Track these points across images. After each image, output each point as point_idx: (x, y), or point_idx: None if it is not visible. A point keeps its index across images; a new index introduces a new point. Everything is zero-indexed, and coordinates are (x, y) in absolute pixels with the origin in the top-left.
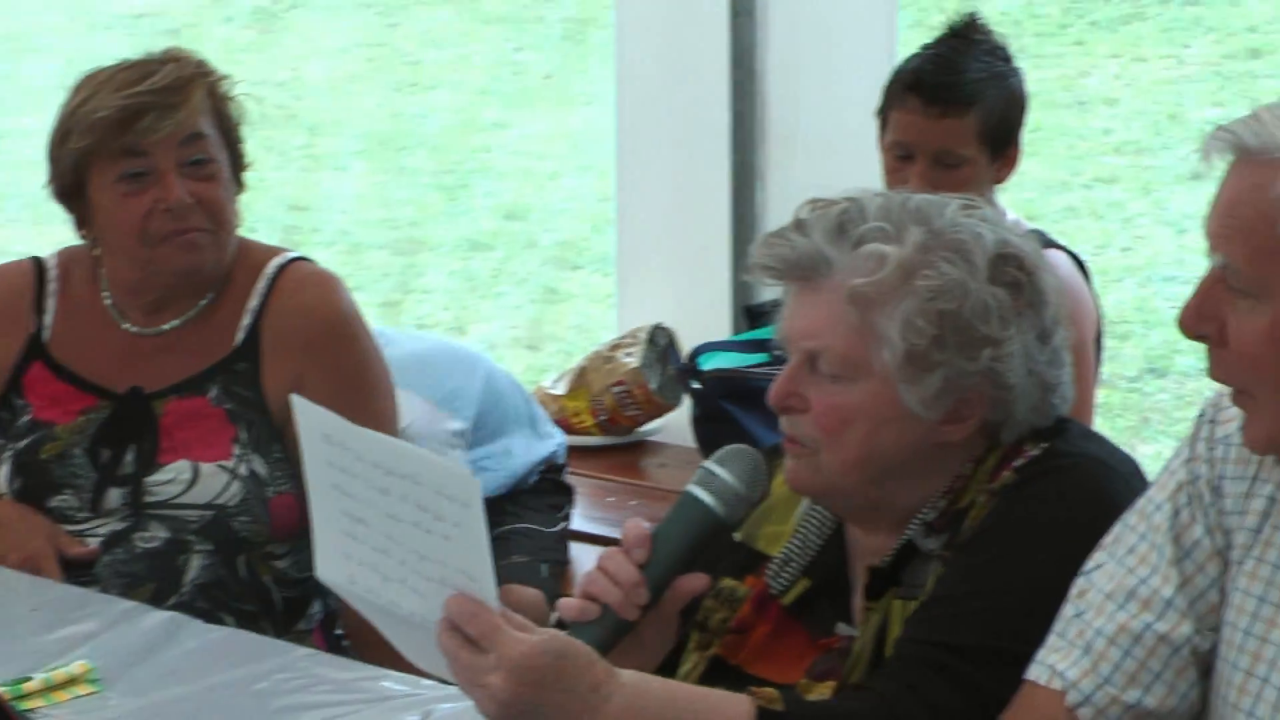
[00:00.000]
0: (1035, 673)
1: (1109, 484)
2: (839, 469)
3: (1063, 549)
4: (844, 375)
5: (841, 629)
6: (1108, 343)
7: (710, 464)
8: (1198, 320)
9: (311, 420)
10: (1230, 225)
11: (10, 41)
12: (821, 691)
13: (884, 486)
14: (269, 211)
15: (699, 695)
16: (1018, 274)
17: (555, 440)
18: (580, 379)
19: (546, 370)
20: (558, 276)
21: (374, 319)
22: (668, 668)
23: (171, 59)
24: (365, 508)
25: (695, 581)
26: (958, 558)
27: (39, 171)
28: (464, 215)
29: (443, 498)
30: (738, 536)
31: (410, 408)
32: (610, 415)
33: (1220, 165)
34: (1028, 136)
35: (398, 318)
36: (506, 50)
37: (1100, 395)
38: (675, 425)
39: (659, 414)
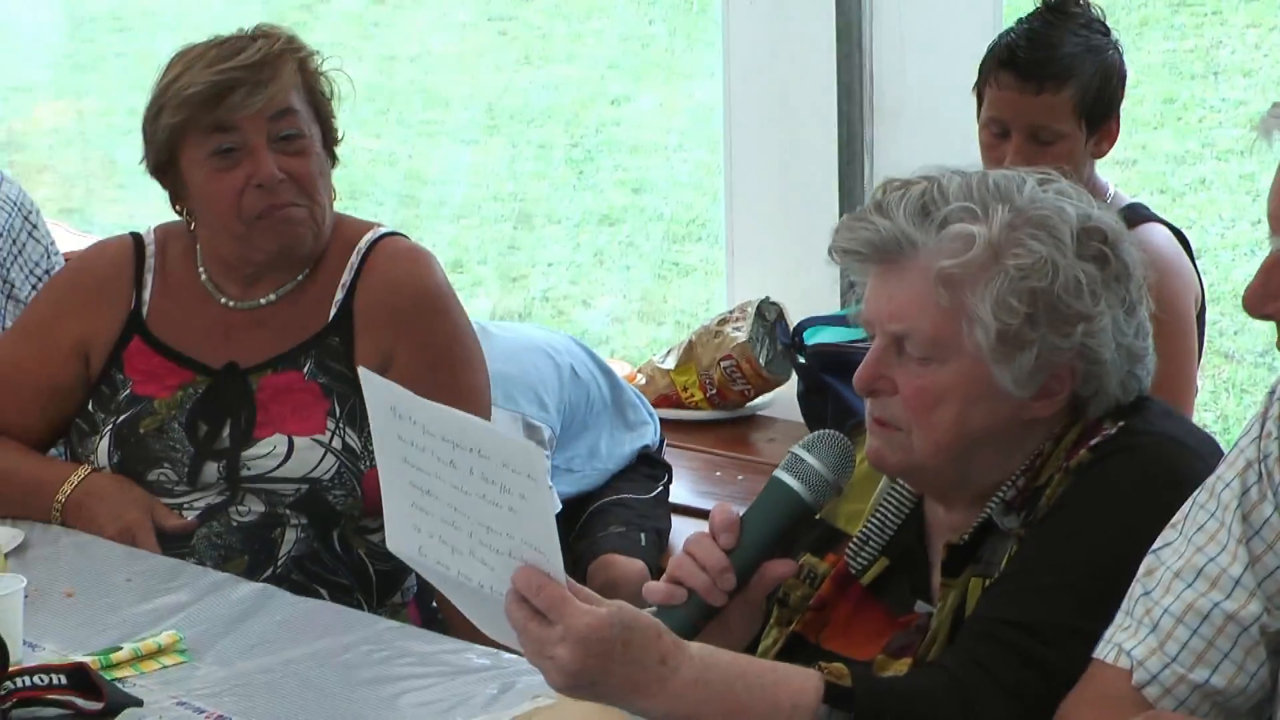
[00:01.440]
0: (1102, 651)
1: (1183, 462)
2: (930, 449)
3: (1134, 528)
4: (933, 357)
5: (920, 606)
6: (1239, 317)
7: (799, 449)
8: (1262, 301)
9: (379, 394)
10: None
11: (148, 18)
12: (898, 668)
13: (970, 464)
14: (395, 185)
15: (767, 668)
16: (1102, 247)
17: (649, 430)
18: (689, 353)
19: (667, 344)
20: (680, 250)
21: (498, 292)
22: (750, 646)
23: (262, 35)
24: (432, 480)
25: (782, 567)
26: (1031, 535)
27: None
28: (590, 189)
29: (508, 470)
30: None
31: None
32: (719, 389)
33: None
34: (1159, 109)
35: (526, 290)
36: (639, 23)
37: (1226, 370)
38: (784, 400)
39: (767, 388)
